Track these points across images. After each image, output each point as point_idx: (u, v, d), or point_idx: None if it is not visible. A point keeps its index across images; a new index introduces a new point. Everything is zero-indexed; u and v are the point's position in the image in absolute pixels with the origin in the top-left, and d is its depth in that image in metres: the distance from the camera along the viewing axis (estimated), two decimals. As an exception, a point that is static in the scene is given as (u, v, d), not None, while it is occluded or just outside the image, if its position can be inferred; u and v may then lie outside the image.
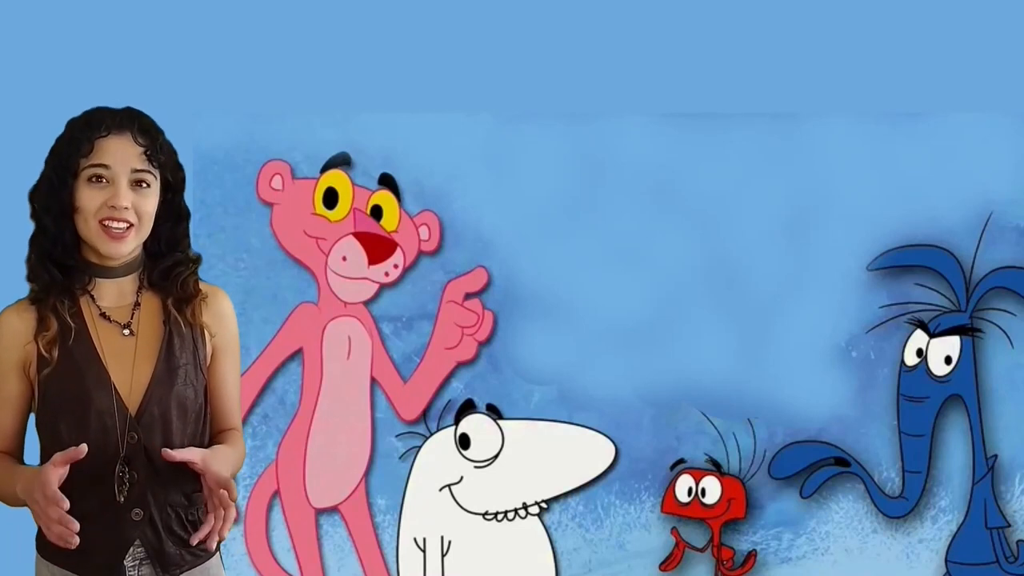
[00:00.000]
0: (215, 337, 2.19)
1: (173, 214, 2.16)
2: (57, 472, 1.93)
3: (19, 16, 3.44)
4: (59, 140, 2.11)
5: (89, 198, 2.06)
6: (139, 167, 2.07)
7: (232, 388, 2.24)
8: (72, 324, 2.07)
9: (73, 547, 1.95)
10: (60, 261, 2.10)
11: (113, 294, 2.13)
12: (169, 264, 2.16)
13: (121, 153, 2.06)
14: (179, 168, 2.17)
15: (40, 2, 3.44)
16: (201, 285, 2.19)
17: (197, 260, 2.22)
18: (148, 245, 2.16)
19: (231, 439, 2.21)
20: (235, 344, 2.25)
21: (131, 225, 2.07)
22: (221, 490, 2.01)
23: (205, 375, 2.16)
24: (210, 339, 2.18)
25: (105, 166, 2.06)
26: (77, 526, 1.93)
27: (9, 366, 2.08)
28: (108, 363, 2.06)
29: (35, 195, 2.12)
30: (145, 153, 2.07)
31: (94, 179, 2.06)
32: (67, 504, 1.92)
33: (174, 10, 3.42)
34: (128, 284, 2.14)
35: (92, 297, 2.11)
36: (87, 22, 3.40)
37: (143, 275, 2.16)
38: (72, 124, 2.11)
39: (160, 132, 2.13)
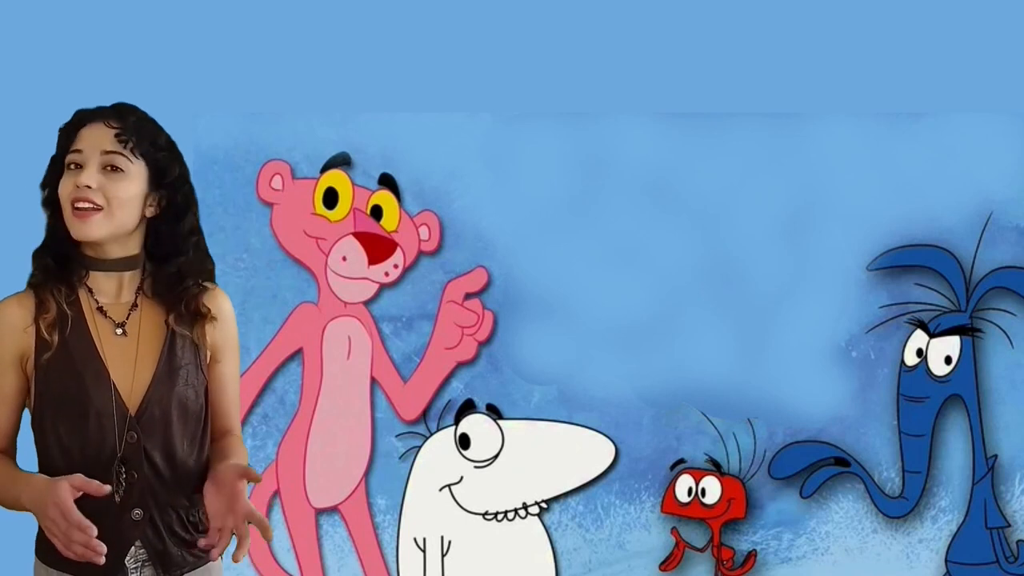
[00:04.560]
0: (217, 342, 2.16)
1: (171, 210, 2.09)
2: (73, 492, 1.89)
3: (19, 16, 3.44)
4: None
5: (63, 184, 2.03)
6: (109, 149, 2.02)
7: (232, 389, 2.21)
8: (69, 312, 2.04)
9: (100, 564, 1.91)
10: (58, 252, 2.06)
11: (111, 290, 2.08)
12: (173, 274, 2.10)
13: (94, 137, 2.02)
14: (171, 158, 2.09)
15: (40, 2, 3.44)
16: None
17: (208, 275, 2.15)
18: (149, 246, 2.10)
19: (234, 450, 2.15)
20: (234, 343, 2.21)
21: (99, 208, 2.00)
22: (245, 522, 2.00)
23: (206, 376, 2.13)
24: (211, 343, 2.15)
25: (79, 151, 2.02)
26: (104, 548, 1.89)
27: (7, 360, 2.05)
28: (107, 360, 2.04)
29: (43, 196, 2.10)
30: (118, 136, 2.02)
31: (71, 166, 2.03)
32: (95, 531, 1.88)
33: (174, 10, 3.42)
34: (126, 282, 2.09)
35: (90, 291, 2.07)
36: (87, 22, 3.40)
37: (144, 278, 2.11)
38: None
39: (139, 116, 2.07)
